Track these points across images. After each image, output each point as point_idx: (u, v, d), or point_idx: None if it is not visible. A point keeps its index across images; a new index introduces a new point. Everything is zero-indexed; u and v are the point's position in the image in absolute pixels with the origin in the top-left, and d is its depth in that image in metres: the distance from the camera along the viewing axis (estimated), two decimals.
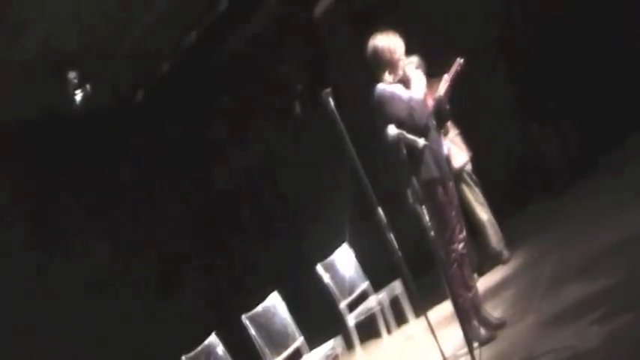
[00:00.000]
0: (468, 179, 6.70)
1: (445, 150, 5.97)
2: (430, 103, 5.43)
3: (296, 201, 9.42)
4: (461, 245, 5.05)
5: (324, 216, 8.79)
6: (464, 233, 5.18)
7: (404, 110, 4.90)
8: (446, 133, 6.49)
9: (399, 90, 5.03)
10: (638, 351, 3.70)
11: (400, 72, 5.07)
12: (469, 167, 6.78)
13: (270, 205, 9.84)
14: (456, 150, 6.60)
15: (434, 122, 5.16)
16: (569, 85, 7.70)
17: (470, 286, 5.10)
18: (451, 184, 5.17)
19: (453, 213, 5.06)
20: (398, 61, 5.04)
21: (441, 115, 5.43)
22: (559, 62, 7.74)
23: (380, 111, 4.96)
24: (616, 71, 7.48)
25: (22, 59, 7.20)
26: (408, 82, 5.08)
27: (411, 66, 5.19)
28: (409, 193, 4.72)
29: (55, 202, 8.59)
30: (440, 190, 4.99)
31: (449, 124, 6.49)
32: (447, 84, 5.63)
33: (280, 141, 9.57)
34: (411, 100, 4.96)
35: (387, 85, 5.03)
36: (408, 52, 5.41)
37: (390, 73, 5.04)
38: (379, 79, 5.06)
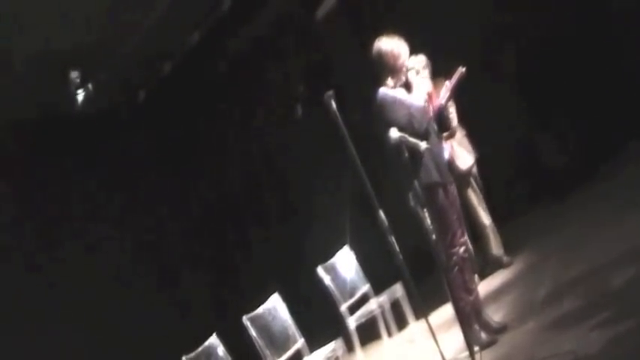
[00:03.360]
0: (474, 183, 6.69)
1: (447, 154, 5.99)
2: (432, 107, 5.43)
3: (297, 203, 9.42)
4: (462, 249, 5.05)
5: (325, 218, 8.78)
6: (465, 237, 5.18)
7: (404, 116, 4.91)
8: (452, 135, 6.50)
9: (400, 95, 5.03)
10: (639, 357, 3.70)
11: (403, 77, 5.07)
12: (475, 170, 6.76)
13: (271, 206, 9.84)
14: (462, 152, 6.58)
15: (434, 127, 5.17)
16: (571, 89, 7.70)
17: (471, 290, 5.10)
18: (452, 187, 5.17)
19: (455, 217, 5.06)
20: (401, 66, 5.04)
21: (442, 121, 5.44)
22: (561, 67, 7.74)
23: (381, 115, 4.96)
24: (618, 76, 7.48)
25: (24, 58, 7.20)
26: (410, 87, 5.09)
27: (413, 71, 5.18)
28: (410, 196, 4.73)
29: (55, 200, 8.58)
30: (441, 193, 4.99)
31: (456, 125, 6.49)
32: (448, 92, 5.66)
33: (282, 142, 9.56)
34: (411, 106, 4.97)
35: (388, 90, 5.04)
36: (413, 51, 5.43)
37: (392, 77, 5.05)
38: (381, 83, 5.07)
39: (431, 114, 5.18)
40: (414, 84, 5.09)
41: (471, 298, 5.07)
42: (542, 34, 7.93)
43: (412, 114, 4.94)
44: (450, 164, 6.37)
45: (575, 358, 4.09)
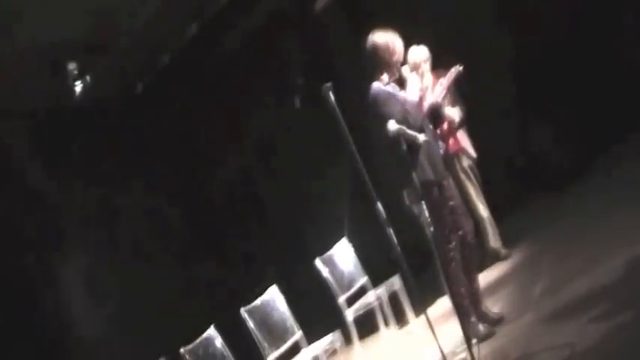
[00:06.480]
0: (471, 175, 6.70)
1: (441, 150, 5.99)
2: (425, 104, 5.42)
3: (295, 195, 9.41)
4: (459, 243, 5.05)
5: (324, 210, 8.79)
6: (462, 231, 5.14)
7: (399, 112, 4.89)
8: (461, 126, 6.54)
9: (394, 91, 5.01)
10: (637, 349, 3.70)
11: (397, 73, 5.05)
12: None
13: (269, 199, 9.83)
14: (468, 143, 6.65)
15: (429, 125, 5.15)
16: (568, 83, 7.69)
17: (469, 283, 5.09)
18: (448, 182, 5.15)
19: (449, 212, 5.03)
20: (397, 62, 5.01)
21: (436, 118, 5.43)
22: (559, 61, 7.73)
23: (375, 111, 4.94)
24: (616, 69, 7.48)
25: (22, 50, 7.18)
26: (404, 83, 5.06)
27: (407, 67, 5.16)
28: (405, 193, 4.72)
29: (53, 192, 8.57)
30: (435, 191, 4.98)
31: (461, 117, 6.53)
32: (444, 90, 5.66)
33: (280, 134, 9.56)
34: (405, 102, 4.95)
35: (382, 85, 5.01)
36: (414, 43, 5.42)
37: (387, 72, 5.02)
38: (375, 78, 5.03)
39: (425, 111, 5.16)
40: (408, 79, 5.07)
41: (470, 290, 5.07)
42: (541, 26, 7.92)
43: (407, 110, 4.92)
44: (465, 152, 6.44)
45: (573, 351, 4.10)
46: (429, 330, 4.52)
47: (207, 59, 9.30)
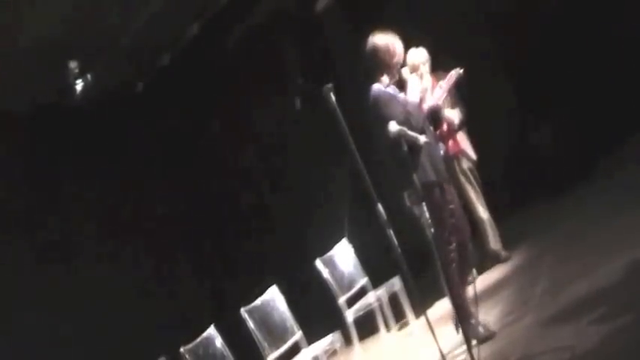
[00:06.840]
0: (471, 177, 6.70)
1: (442, 152, 5.99)
2: (425, 107, 5.43)
3: (296, 196, 9.41)
4: (457, 245, 5.05)
5: (324, 211, 8.79)
6: (461, 233, 5.14)
7: (401, 113, 4.88)
8: (460, 128, 6.54)
9: (395, 92, 5.01)
10: (637, 352, 3.70)
11: (397, 75, 5.04)
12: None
13: (269, 199, 9.83)
14: (467, 143, 6.65)
15: (429, 127, 5.16)
16: (569, 85, 7.70)
17: (461, 285, 5.09)
18: (449, 186, 5.15)
19: (450, 215, 5.03)
20: (397, 64, 5.01)
21: (436, 120, 5.43)
22: (559, 63, 7.74)
23: (376, 112, 4.93)
24: (616, 72, 7.48)
25: (23, 49, 7.19)
26: (404, 85, 5.06)
27: (407, 69, 5.16)
28: (406, 194, 4.71)
29: (53, 191, 8.57)
30: (436, 192, 4.97)
31: (461, 119, 6.54)
32: (444, 93, 5.66)
33: (280, 135, 9.56)
34: (407, 103, 4.95)
35: (383, 87, 5.01)
36: (413, 45, 5.41)
37: (387, 74, 5.01)
38: (374, 80, 5.03)
39: (425, 112, 5.16)
40: (408, 81, 5.07)
41: (467, 292, 5.08)
42: (542, 27, 7.93)
43: (409, 111, 4.92)
44: (464, 154, 6.45)
45: (573, 353, 4.10)
46: (429, 331, 4.52)
47: (207, 59, 9.31)
